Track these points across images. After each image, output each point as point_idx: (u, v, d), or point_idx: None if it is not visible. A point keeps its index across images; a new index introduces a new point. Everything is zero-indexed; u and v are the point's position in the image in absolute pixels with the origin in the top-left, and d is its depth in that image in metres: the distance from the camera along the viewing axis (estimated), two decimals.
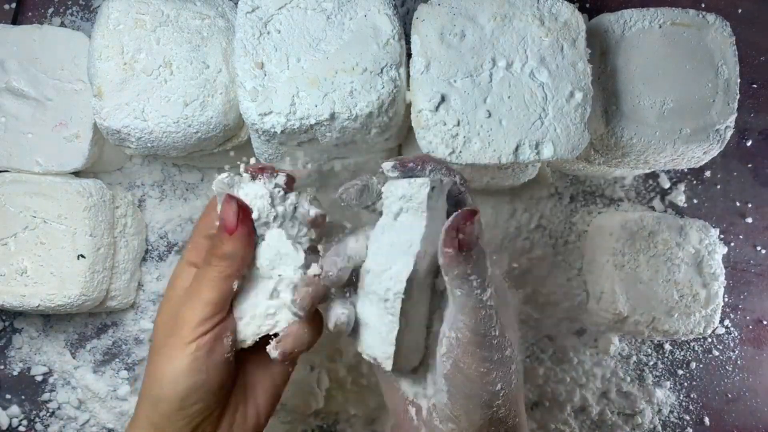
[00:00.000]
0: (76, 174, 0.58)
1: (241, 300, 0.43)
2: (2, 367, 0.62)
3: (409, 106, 0.51)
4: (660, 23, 0.55)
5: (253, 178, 0.44)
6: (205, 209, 0.47)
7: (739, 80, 0.56)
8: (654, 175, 0.69)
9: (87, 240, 0.55)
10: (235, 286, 0.42)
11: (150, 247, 0.63)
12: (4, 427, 0.61)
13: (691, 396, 0.68)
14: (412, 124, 0.50)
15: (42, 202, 0.55)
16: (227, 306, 0.43)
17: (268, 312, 0.43)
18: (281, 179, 0.44)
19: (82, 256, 0.55)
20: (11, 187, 0.56)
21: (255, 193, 0.42)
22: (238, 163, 0.45)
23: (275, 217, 0.43)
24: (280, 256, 0.43)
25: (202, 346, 0.41)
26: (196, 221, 0.47)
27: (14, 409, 0.62)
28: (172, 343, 0.42)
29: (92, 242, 0.56)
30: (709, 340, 0.68)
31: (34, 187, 0.55)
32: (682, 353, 0.68)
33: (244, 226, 0.42)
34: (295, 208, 0.44)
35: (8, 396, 0.62)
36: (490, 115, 0.49)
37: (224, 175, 0.44)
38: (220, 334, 0.42)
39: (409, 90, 0.50)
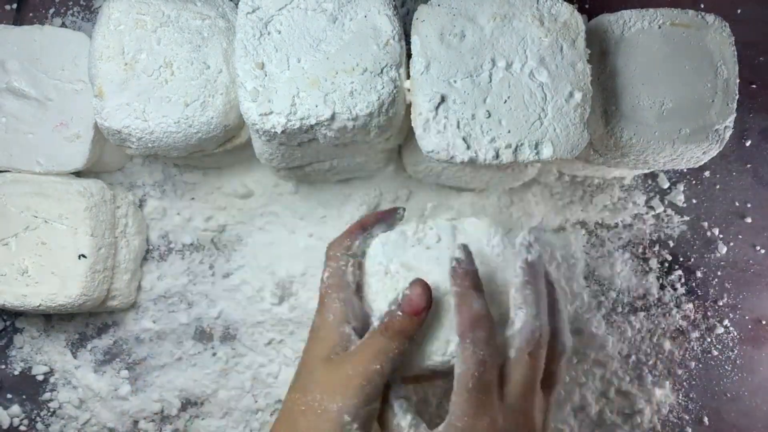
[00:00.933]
0: (77, 174, 0.58)
1: None
2: (3, 366, 0.62)
3: (409, 106, 0.51)
4: (659, 24, 0.56)
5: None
6: (349, 229, 0.50)
7: (738, 80, 0.56)
8: (653, 175, 0.69)
9: (88, 240, 0.56)
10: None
11: (151, 247, 0.64)
12: (5, 427, 0.61)
13: (691, 396, 0.68)
14: (412, 125, 0.50)
15: (43, 202, 0.55)
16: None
17: None
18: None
19: (83, 256, 0.55)
20: (12, 187, 0.56)
21: None
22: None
23: None
24: None
25: (358, 420, 0.43)
26: (334, 242, 0.49)
27: (15, 408, 0.62)
28: (328, 402, 0.43)
29: (93, 242, 0.56)
30: (709, 340, 0.68)
31: (35, 187, 0.56)
32: (682, 353, 0.68)
33: (427, 312, 0.44)
34: None
35: (9, 395, 0.62)
36: (489, 116, 0.49)
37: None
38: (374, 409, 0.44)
39: (409, 90, 0.50)
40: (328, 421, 0.42)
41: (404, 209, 0.53)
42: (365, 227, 0.50)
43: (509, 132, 0.49)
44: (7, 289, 0.55)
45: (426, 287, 0.44)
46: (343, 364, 0.44)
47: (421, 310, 0.44)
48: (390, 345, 0.44)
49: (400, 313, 0.44)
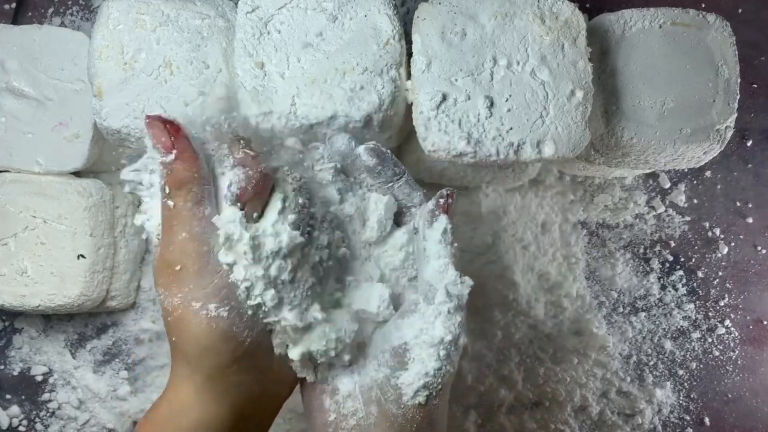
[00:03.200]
0: (77, 174, 0.58)
1: None
2: (2, 367, 0.62)
3: (409, 105, 0.51)
4: (660, 23, 0.55)
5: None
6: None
7: (739, 80, 0.56)
8: (654, 175, 0.69)
9: (87, 240, 0.55)
10: (208, 210, 0.39)
11: (150, 247, 0.63)
12: (5, 427, 0.61)
13: (691, 396, 0.68)
14: (414, 124, 0.50)
15: (42, 202, 0.55)
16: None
17: None
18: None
19: (82, 256, 0.55)
20: (11, 187, 0.56)
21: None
22: None
23: None
24: None
25: (218, 285, 0.38)
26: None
27: (14, 409, 0.61)
28: (186, 303, 0.38)
29: (92, 242, 0.56)
30: (709, 340, 0.68)
31: (34, 187, 0.55)
32: (683, 353, 0.68)
33: (180, 139, 0.38)
34: None
35: (8, 396, 0.62)
36: (491, 114, 0.49)
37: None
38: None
39: (408, 90, 0.50)
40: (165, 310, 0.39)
41: None
42: None
43: (511, 130, 0.49)
44: (6, 289, 0.55)
45: (161, 122, 0.38)
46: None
47: (171, 147, 0.37)
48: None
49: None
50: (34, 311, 0.55)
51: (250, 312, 0.39)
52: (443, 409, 0.43)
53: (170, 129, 0.38)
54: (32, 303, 0.55)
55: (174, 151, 0.38)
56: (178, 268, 0.38)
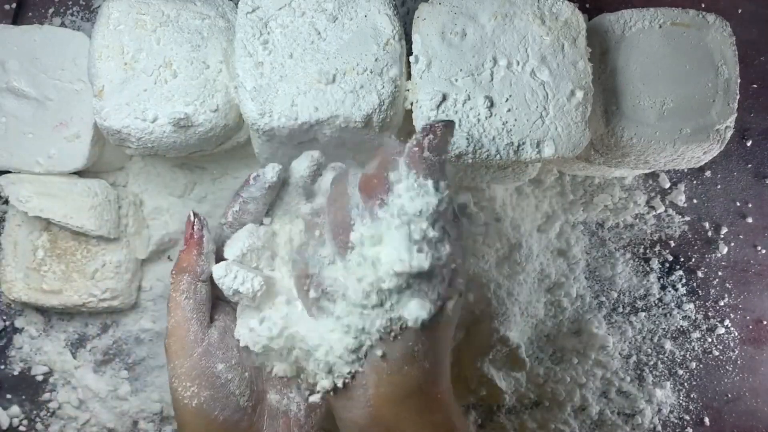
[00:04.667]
0: (78, 174, 0.58)
1: None
2: (3, 366, 0.62)
3: (409, 105, 0.51)
4: (660, 23, 0.55)
5: None
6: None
7: (739, 80, 0.56)
8: (654, 175, 0.69)
9: None
10: (201, 295, 0.44)
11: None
12: (5, 427, 0.61)
13: (691, 396, 0.68)
14: (414, 124, 0.50)
15: (48, 202, 0.55)
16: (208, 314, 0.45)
17: None
18: None
19: None
20: (19, 187, 0.56)
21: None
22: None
23: None
24: None
25: (193, 367, 0.43)
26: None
27: (15, 408, 0.62)
28: (171, 378, 0.43)
29: None
30: (709, 339, 0.68)
31: (40, 186, 0.56)
32: (682, 353, 0.68)
33: (195, 236, 0.44)
34: None
35: (9, 396, 0.62)
36: (491, 114, 0.49)
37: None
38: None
39: (408, 90, 0.50)
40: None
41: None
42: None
43: (511, 130, 0.49)
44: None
45: (193, 217, 0.45)
46: None
47: (187, 237, 0.44)
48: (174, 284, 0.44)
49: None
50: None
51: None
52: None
53: (195, 225, 0.45)
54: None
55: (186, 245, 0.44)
56: (167, 343, 0.44)
